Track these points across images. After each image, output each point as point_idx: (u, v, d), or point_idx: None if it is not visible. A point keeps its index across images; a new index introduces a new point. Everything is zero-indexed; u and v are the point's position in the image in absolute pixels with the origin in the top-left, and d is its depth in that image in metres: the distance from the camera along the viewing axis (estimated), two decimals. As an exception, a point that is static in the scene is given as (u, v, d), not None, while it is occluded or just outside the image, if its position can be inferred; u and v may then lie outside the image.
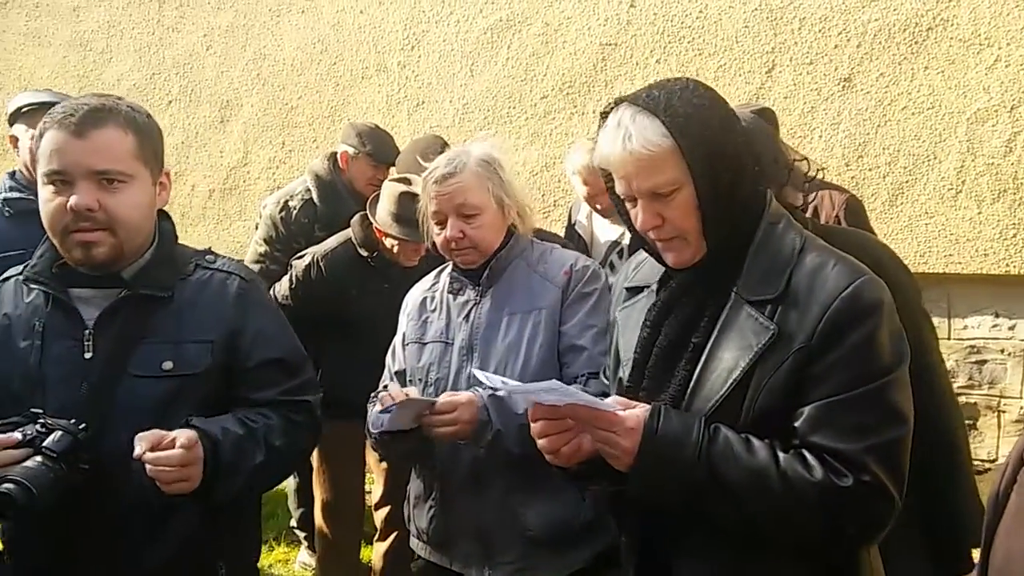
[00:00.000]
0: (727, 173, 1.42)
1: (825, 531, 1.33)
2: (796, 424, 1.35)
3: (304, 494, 4.07)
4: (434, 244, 2.37)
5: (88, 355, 1.72)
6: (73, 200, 1.66)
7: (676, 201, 1.43)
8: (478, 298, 2.30)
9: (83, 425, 1.64)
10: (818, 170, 2.09)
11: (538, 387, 1.45)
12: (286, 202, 3.77)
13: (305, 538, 4.24)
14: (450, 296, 2.36)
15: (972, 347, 4.08)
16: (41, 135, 1.71)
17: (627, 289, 1.71)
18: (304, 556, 4.20)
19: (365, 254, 3.30)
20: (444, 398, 2.09)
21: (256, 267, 3.74)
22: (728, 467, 1.33)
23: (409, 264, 3.20)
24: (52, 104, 2.05)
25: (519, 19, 4.71)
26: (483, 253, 2.28)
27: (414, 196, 3.13)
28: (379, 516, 3.73)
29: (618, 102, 1.48)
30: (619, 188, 1.49)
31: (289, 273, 3.41)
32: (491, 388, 1.58)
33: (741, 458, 1.33)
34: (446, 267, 2.45)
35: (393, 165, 3.84)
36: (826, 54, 4.13)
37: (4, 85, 6.30)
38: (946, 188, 3.96)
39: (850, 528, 1.34)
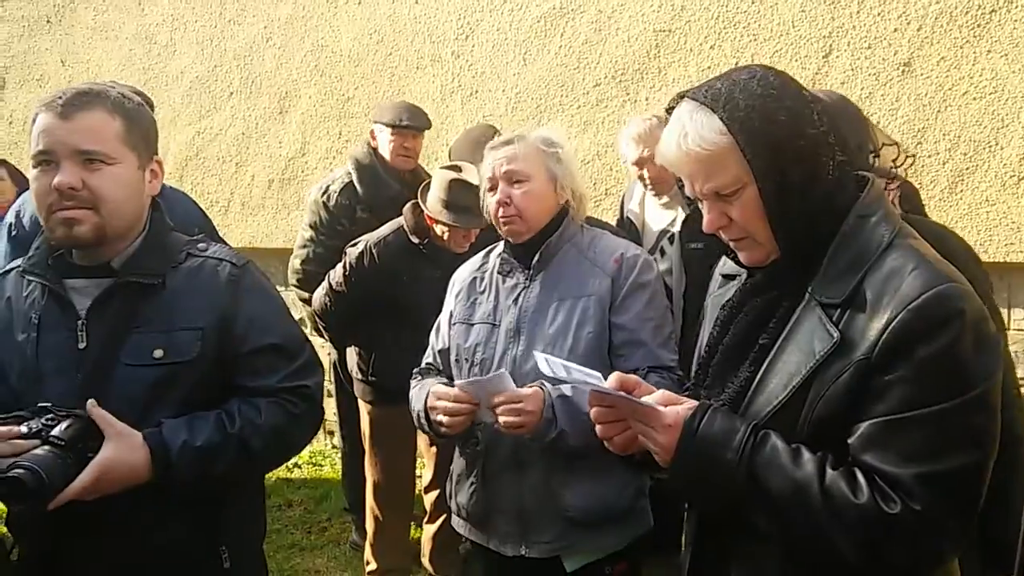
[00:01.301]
0: (798, 168, 1.32)
1: (863, 557, 1.23)
2: (851, 441, 1.27)
3: (353, 477, 4.17)
4: (482, 231, 2.41)
5: (82, 345, 1.75)
6: (57, 179, 1.69)
7: (741, 201, 1.36)
8: (527, 282, 2.32)
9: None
10: (906, 157, 1.98)
11: (597, 375, 1.46)
12: (327, 187, 3.93)
13: (354, 520, 4.33)
14: (499, 278, 2.38)
15: (1034, 338, 3.98)
16: (33, 121, 1.75)
17: (722, 276, 1.64)
18: (355, 537, 4.30)
19: (416, 241, 3.35)
20: (510, 393, 2.10)
21: (303, 252, 3.88)
22: (770, 476, 1.27)
23: (459, 251, 3.24)
24: None
25: (572, 6, 4.71)
26: (529, 225, 2.29)
27: (465, 183, 3.18)
28: (428, 499, 3.81)
29: (680, 97, 1.41)
30: (686, 188, 1.43)
31: (343, 260, 3.48)
32: (553, 376, 1.57)
33: (786, 468, 1.26)
34: (496, 247, 2.47)
35: (420, 131, 4.01)
36: (885, 38, 4.04)
37: (74, 78, 6.51)
38: (1008, 175, 3.85)
39: (894, 558, 1.23)
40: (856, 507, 1.22)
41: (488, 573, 2.47)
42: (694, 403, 1.39)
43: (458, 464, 2.42)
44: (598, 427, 1.47)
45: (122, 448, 1.65)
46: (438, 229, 3.29)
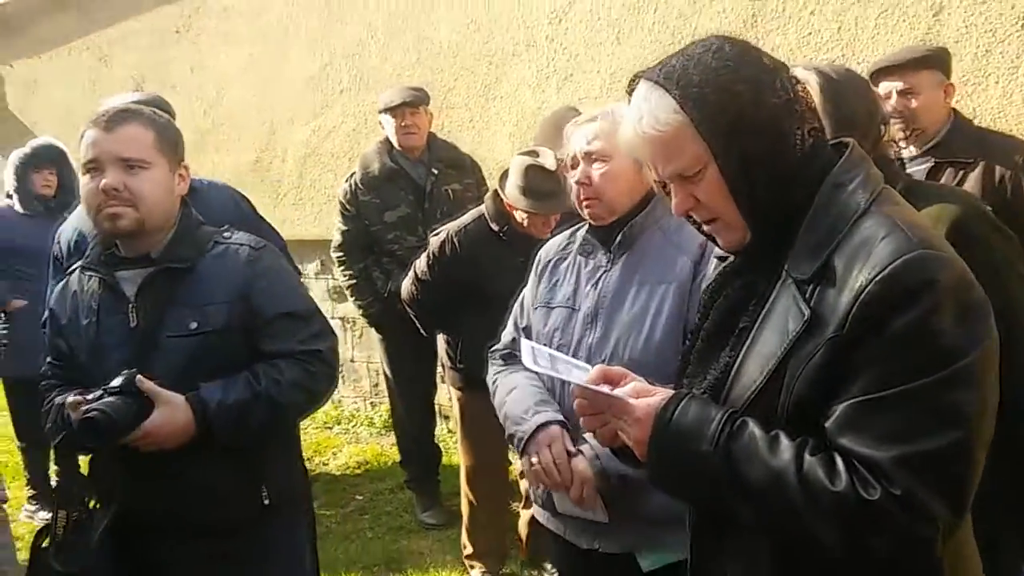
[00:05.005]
0: (760, 142, 1.25)
1: (844, 546, 1.17)
2: (827, 424, 1.20)
3: (408, 460, 4.68)
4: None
5: (133, 324, 2.11)
6: (103, 182, 2.03)
7: (704, 182, 1.29)
8: (609, 265, 2.23)
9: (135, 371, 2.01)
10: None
11: (586, 367, 1.43)
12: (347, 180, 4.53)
13: (415, 499, 4.64)
14: (581, 259, 2.30)
15: None
16: (82, 136, 2.09)
17: (717, 259, 1.56)
18: (422, 516, 4.52)
19: (496, 228, 3.37)
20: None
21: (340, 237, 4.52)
22: (748, 465, 1.20)
23: (541, 236, 3.21)
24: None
25: (666, -19, 4.59)
26: (609, 208, 2.20)
27: (542, 169, 3.16)
28: (524, 484, 3.82)
29: (636, 77, 1.34)
30: (651, 174, 1.38)
31: (426, 250, 3.54)
32: (537, 367, 1.52)
33: (763, 457, 1.20)
34: (583, 226, 2.37)
35: (415, 106, 4.30)
36: (1002, -10, 3.73)
37: (202, 85, 6.89)
38: None
39: (876, 546, 1.15)
40: (834, 494, 1.15)
41: (561, 563, 2.44)
42: (668, 393, 1.33)
43: None
44: (581, 420, 1.44)
45: (169, 411, 2.01)
46: (518, 216, 3.29)
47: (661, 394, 1.33)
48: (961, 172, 2.95)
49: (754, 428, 1.23)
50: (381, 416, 5.96)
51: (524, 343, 1.62)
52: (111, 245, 2.18)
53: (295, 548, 2.34)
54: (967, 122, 3.22)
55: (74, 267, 2.28)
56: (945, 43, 3.76)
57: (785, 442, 1.20)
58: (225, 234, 2.24)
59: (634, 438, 1.32)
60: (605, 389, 1.36)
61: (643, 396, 1.33)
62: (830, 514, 1.15)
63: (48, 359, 2.27)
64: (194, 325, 2.08)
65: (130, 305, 2.11)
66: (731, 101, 1.24)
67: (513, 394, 2.32)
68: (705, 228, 1.38)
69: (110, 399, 1.93)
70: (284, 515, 2.25)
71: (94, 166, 2.06)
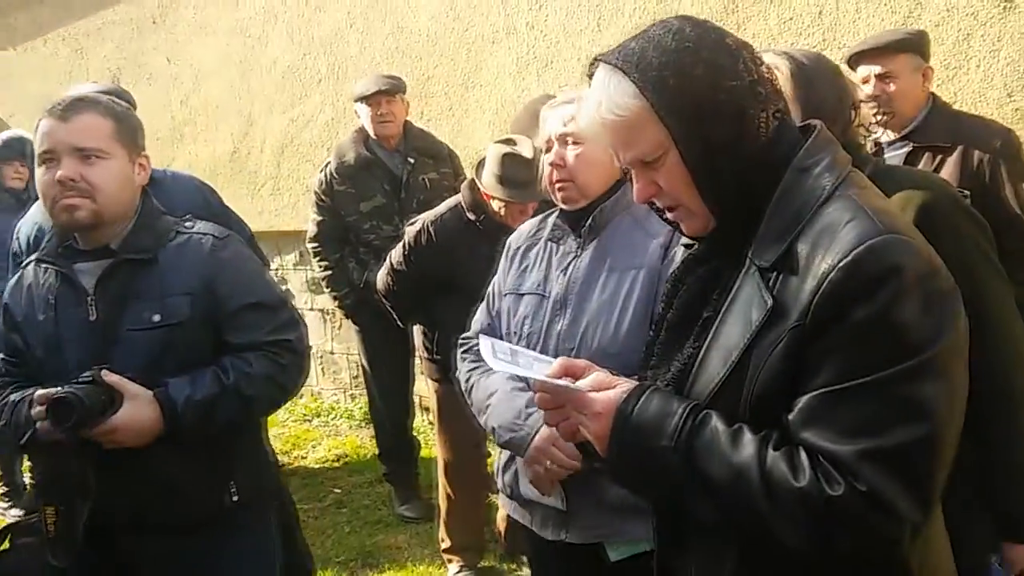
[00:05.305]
0: (721, 126, 1.20)
1: (809, 544, 1.12)
2: (790, 417, 1.15)
3: (386, 453, 4.62)
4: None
5: (92, 317, 2.03)
6: (59, 173, 1.96)
7: (666, 167, 1.25)
8: (579, 250, 2.19)
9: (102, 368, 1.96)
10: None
11: (548, 360, 1.38)
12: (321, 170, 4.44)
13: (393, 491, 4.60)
14: (552, 245, 2.27)
15: None
16: (37, 126, 2.03)
17: (683, 246, 1.50)
18: (399, 509, 4.48)
19: (473, 218, 3.31)
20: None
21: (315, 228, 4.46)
22: (709, 462, 1.16)
23: (517, 226, 3.17)
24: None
25: (646, -34, 4.53)
26: (582, 192, 2.16)
27: (519, 157, 3.11)
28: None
29: (596, 61, 1.30)
30: (615, 160, 1.33)
31: (402, 239, 3.49)
32: (496, 361, 1.44)
33: (724, 452, 1.15)
34: (553, 212, 2.34)
35: (391, 94, 4.26)
36: (983, -28, 3.69)
37: (179, 75, 6.81)
38: None
39: (841, 544, 1.11)
40: (797, 491, 1.10)
41: (531, 553, 2.42)
42: (630, 386, 1.28)
43: None
44: (542, 415, 1.39)
45: (137, 407, 1.95)
46: (494, 205, 3.24)
47: (622, 387, 1.28)
48: (939, 157, 2.92)
49: (716, 422, 1.18)
50: (361, 408, 5.91)
51: (483, 339, 1.56)
52: (68, 237, 2.12)
53: (264, 545, 2.30)
54: (945, 106, 3.20)
55: (29, 259, 2.21)
56: (926, 26, 3.72)
57: (748, 436, 1.16)
58: (187, 223, 2.18)
59: (594, 433, 1.27)
60: (565, 383, 1.31)
61: (604, 389, 1.29)
62: (793, 511, 1.11)
63: (1, 356, 2.19)
64: (156, 318, 2.02)
65: (89, 298, 2.04)
66: (691, 84, 1.20)
67: (496, 398, 2.27)
68: (668, 215, 1.34)
69: (81, 386, 1.90)
70: (253, 512, 2.20)
71: (49, 156, 1.99)
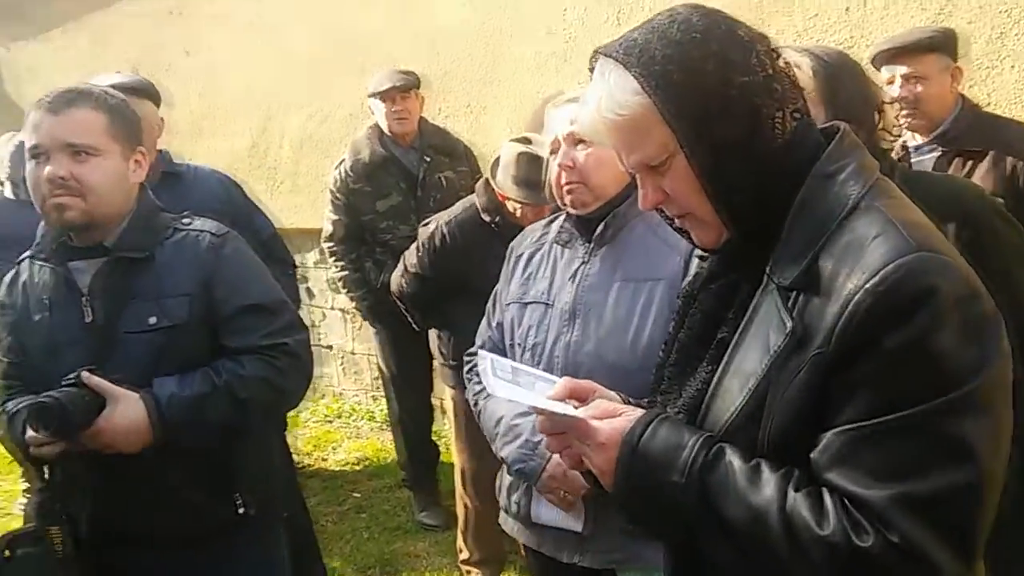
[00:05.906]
0: (731, 125, 1.10)
1: None
2: (814, 455, 1.04)
3: (406, 458, 4.57)
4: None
5: (88, 319, 1.96)
6: (47, 170, 1.88)
7: (672, 172, 1.15)
8: (587, 256, 2.09)
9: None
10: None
11: (552, 379, 1.30)
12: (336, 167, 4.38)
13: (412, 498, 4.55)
14: (558, 249, 2.17)
15: None
16: (27, 118, 1.93)
17: (698, 258, 1.39)
18: (419, 516, 4.42)
19: (488, 219, 3.25)
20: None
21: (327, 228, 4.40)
22: (724, 501, 1.06)
23: (533, 227, 3.11)
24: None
25: (668, -41, 4.43)
26: (595, 195, 2.05)
27: (535, 156, 3.03)
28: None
29: (596, 53, 1.21)
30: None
31: (416, 241, 3.43)
32: (496, 379, 1.35)
33: (741, 491, 1.05)
34: (560, 215, 2.24)
35: (406, 90, 4.19)
36: (1018, -33, 3.57)
37: (196, 67, 6.78)
38: None
39: None
40: (821, 539, 1.00)
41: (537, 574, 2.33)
42: (636, 414, 1.19)
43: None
44: (544, 441, 1.31)
45: (121, 407, 1.87)
46: (510, 206, 3.17)
47: (628, 415, 1.19)
48: (970, 162, 2.82)
49: (732, 457, 1.09)
50: (382, 410, 5.84)
51: (481, 356, 1.46)
52: (63, 233, 2.03)
53: (272, 558, 2.25)
54: (976, 108, 3.09)
55: (24, 256, 2.12)
56: (958, 24, 3.61)
57: (767, 474, 1.06)
58: (184, 220, 2.09)
59: (598, 466, 1.18)
60: (565, 409, 1.23)
61: (609, 417, 1.20)
62: (817, 562, 1.01)
63: (2, 357, 2.11)
64: (153, 320, 1.94)
65: (84, 298, 1.96)
66: (699, 80, 1.10)
67: (504, 425, 2.18)
68: (678, 223, 1.24)
69: (64, 389, 1.83)
70: (260, 523, 2.13)
71: (38, 151, 1.90)
